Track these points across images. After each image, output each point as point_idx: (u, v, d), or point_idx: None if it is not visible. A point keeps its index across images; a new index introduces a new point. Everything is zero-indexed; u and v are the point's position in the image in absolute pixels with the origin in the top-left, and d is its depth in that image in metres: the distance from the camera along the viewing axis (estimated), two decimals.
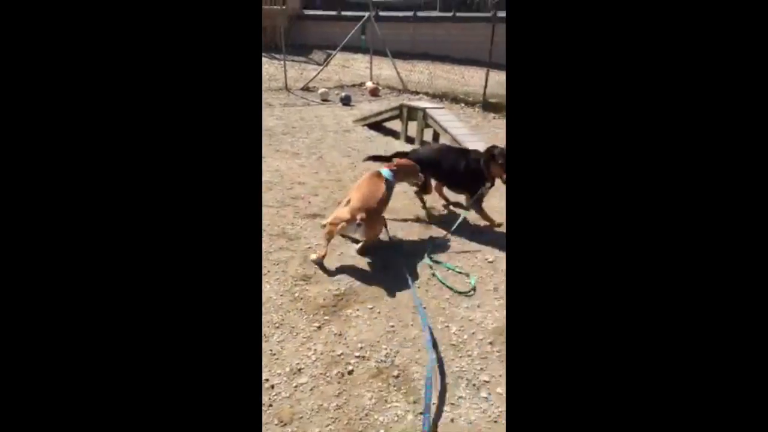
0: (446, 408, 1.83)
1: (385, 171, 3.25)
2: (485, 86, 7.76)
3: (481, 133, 6.20)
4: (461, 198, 3.74)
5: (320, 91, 8.60)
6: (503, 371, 2.03)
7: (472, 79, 9.02)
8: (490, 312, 2.47)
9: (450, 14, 14.34)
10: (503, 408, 1.84)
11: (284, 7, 11.36)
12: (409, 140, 5.94)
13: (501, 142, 5.97)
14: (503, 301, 2.57)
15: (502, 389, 1.93)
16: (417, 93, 9.06)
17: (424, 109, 5.73)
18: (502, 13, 8.39)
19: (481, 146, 5.19)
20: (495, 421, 1.78)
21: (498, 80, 8.39)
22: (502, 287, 2.71)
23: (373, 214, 2.95)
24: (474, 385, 1.96)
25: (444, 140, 5.57)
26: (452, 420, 1.78)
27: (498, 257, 3.07)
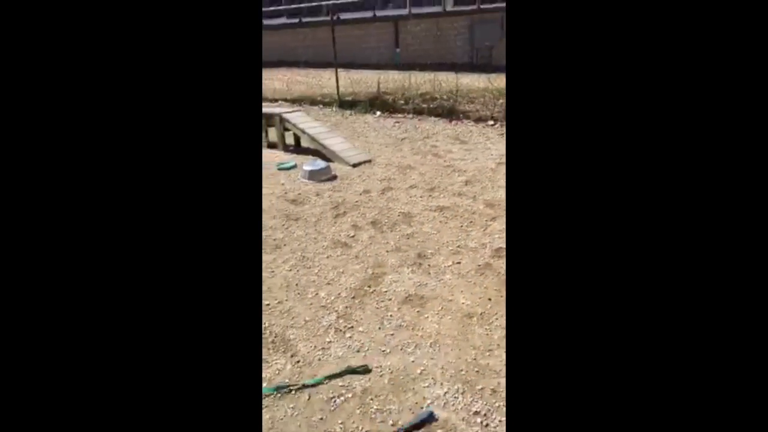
0: None
1: None
2: (337, 86, 7.94)
3: (339, 129, 6.40)
4: None
5: None
6: None
7: (329, 80, 9.15)
8: None
9: (296, 20, 14.38)
10: None
11: None
12: (272, 145, 5.86)
13: (359, 135, 6.17)
14: None
15: None
16: (276, 100, 8.90)
17: (279, 114, 5.69)
18: (342, 16, 8.56)
19: (337, 141, 5.33)
20: None
21: (353, 79, 8.63)
22: None
23: None
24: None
25: (304, 141, 5.59)
26: None
27: None
